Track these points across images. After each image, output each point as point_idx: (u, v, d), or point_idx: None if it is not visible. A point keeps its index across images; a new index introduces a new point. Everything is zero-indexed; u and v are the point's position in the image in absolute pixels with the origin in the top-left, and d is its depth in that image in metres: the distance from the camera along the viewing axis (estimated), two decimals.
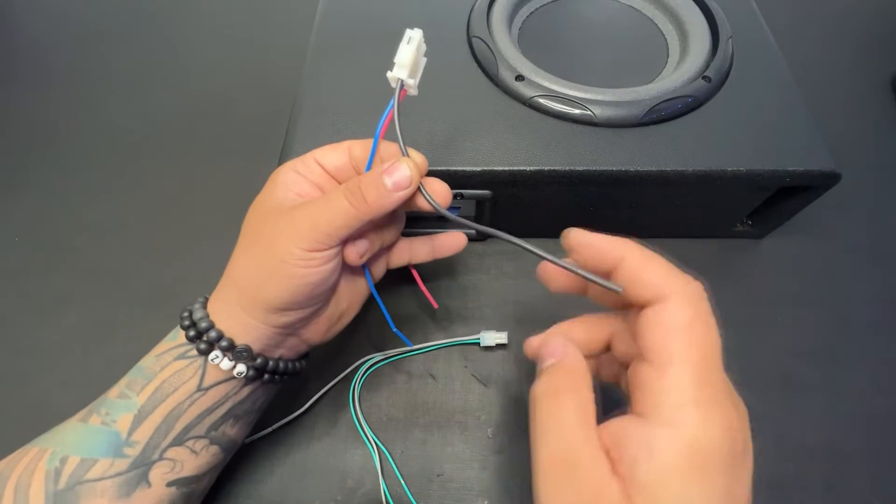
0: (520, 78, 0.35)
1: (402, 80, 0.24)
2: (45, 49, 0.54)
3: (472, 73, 0.37)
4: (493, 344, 0.35)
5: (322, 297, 0.25)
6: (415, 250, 0.30)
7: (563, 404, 0.19)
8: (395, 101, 0.23)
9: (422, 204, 0.25)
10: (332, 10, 0.41)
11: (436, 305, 0.32)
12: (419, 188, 0.24)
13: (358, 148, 0.26)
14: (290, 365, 0.27)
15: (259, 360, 0.25)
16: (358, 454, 0.32)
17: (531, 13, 0.42)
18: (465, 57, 0.38)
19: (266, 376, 0.26)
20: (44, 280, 0.39)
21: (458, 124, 0.34)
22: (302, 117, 0.35)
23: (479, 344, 0.35)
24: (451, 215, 0.24)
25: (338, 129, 0.34)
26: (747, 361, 0.35)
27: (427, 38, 0.38)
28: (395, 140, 0.24)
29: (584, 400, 0.19)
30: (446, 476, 0.31)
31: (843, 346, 0.36)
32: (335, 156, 0.26)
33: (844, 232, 0.41)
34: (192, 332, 0.24)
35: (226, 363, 0.24)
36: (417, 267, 0.31)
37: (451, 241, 0.29)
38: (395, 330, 0.30)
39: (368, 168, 0.25)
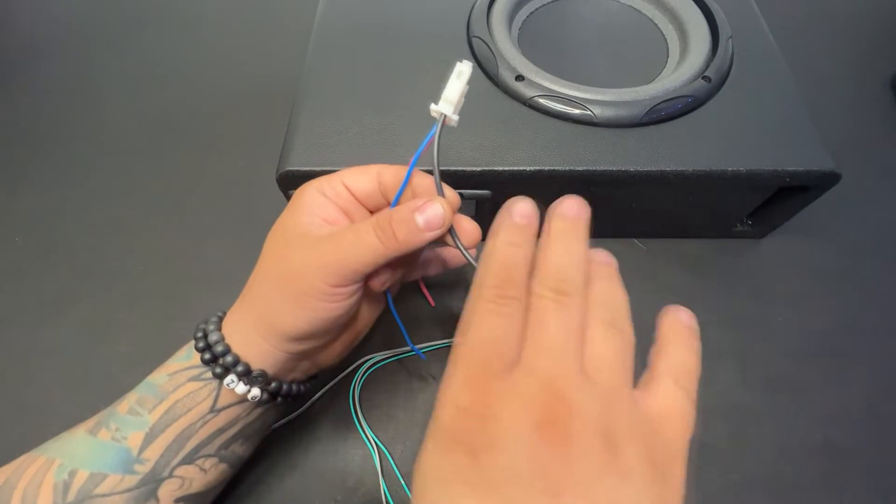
0: (520, 78, 0.35)
1: (446, 115, 0.23)
2: (45, 49, 0.54)
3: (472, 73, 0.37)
4: None
5: (341, 326, 0.26)
6: (428, 266, 0.29)
7: None
8: (436, 135, 0.22)
9: (448, 241, 0.24)
10: (332, 10, 0.41)
11: (433, 303, 0.32)
12: (449, 230, 0.23)
13: (388, 174, 0.24)
14: (301, 387, 0.27)
15: (273, 385, 0.25)
16: (358, 454, 0.32)
17: (531, 13, 0.42)
18: (465, 57, 0.37)
19: (279, 400, 0.26)
20: (44, 280, 0.39)
21: (458, 124, 0.34)
22: (302, 117, 0.35)
23: None
24: (472, 259, 0.24)
25: (338, 129, 0.34)
26: (747, 361, 0.35)
27: (427, 39, 0.38)
28: (430, 172, 0.23)
29: None
30: None
31: (843, 346, 0.36)
32: (364, 180, 0.25)
33: (844, 232, 0.41)
34: (207, 356, 0.24)
35: (241, 388, 0.24)
36: None
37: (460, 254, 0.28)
38: (412, 347, 0.29)
39: (397, 198, 0.24)
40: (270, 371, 0.25)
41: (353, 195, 0.25)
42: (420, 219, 0.22)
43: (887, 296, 0.38)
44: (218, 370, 0.24)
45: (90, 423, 0.25)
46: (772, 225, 0.39)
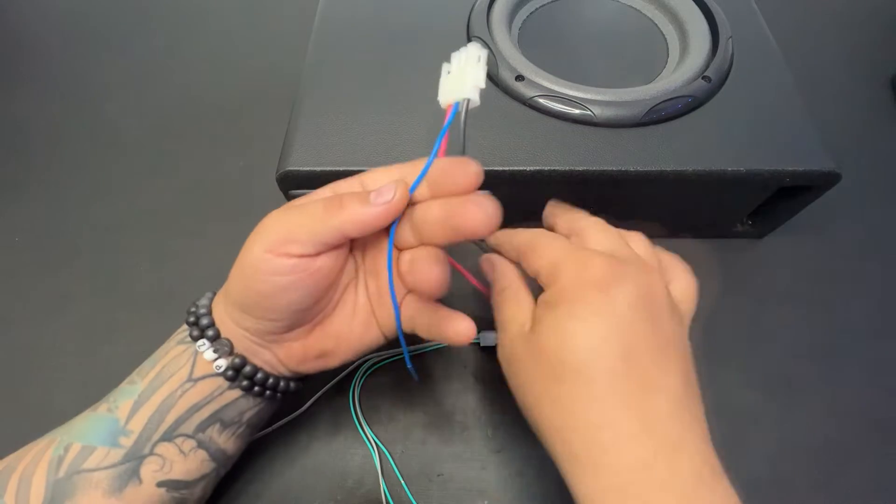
0: (520, 78, 0.35)
1: (470, 99, 0.22)
2: (45, 49, 0.54)
3: None
4: (493, 344, 0.35)
5: (278, 312, 0.24)
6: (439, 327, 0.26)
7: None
8: (463, 122, 0.22)
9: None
10: (332, 9, 0.41)
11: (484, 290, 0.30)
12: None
13: (409, 171, 0.23)
14: (274, 380, 0.26)
15: (237, 360, 0.25)
16: (358, 454, 0.32)
17: (531, 13, 0.42)
18: None
19: (245, 382, 0.25)
20: (44, 280, 0.39)
21: (458, 124, 0.34)
22: (302, 117, 0.35)
23: (479, 344, 0.35)
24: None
25: (338, 129, 0.34)
26: (747, 361, 0.35)
27: (427, 38, 0.38)
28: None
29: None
30: (446, 476, 0.31)
31: (844, 346, 0.36)
32: (383, 180, 0.24)
33: (844, 232, 0.41)
34: (191, 318, 0.25)
35: (209, 353, 0.24)
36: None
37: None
38: (409, 366, 0.27)
39: (415, 185, 0.23)
40: (236, 347, 0.25)
41: None
42: (373, 194, 0.21)
43: (887, 296, 0.38)
44: (195, 332, 0.25)
45: (97, 403, 0.26)
46: (772, 225, 0.39)
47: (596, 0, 0.43)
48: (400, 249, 0.25)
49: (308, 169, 0.32)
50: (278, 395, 0.27)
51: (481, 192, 0.22)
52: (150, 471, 0.24)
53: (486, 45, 0.37)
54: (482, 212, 0.21)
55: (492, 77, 0.36)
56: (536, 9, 0.42)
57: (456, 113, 0.22)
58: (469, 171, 0.22)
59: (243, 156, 0.45)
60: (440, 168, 0.22)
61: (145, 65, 0.52)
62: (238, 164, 0.44)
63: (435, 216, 0.22)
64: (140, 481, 0.24)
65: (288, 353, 0.26)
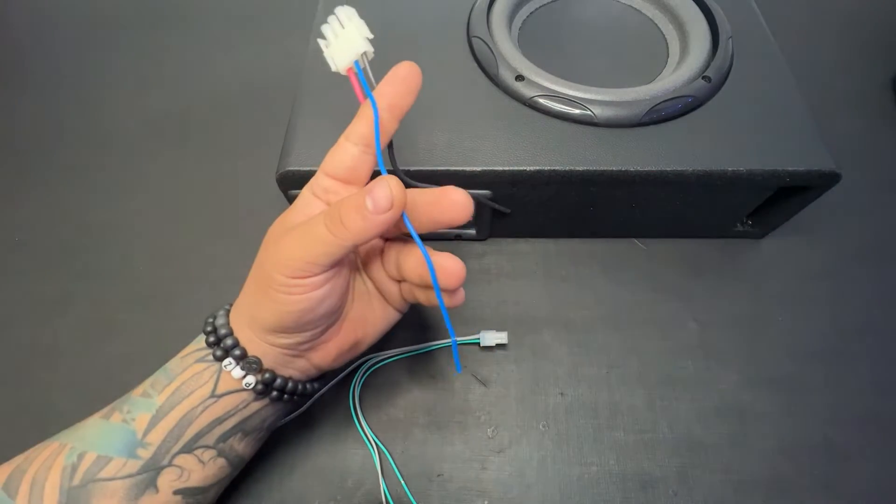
0: (520, 78, 0.35)
1: (366, 52, 0.23)
2: (45, 49, 0.54)
3: (472, 73, 0.37)
4: (493, 344, 0.35)
5: (315, 323, 0.24)
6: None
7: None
8: (369, 77, 0.23)
9: (402, 227, 0.23)
10: (332, 10, 0.41)
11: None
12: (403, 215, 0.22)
13: (355, 133, 0.24)
14: (301, 386, 0.27)
15: (267, 375, 0.25)
16: (358, 454, 0.32)
17: (531, 13, 0.42)
18: (465, 57, 0.37)
19: (275, 394, 0.26)
20: (44, 280, 0.39)
21: (458, 124, 0.34)
22: (302, 117, 0.35)
23: (479, 344, 0.35)
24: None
25: (338, 128, 0.34)
26: (747, 361, 0.35)
27: (427, 38, 0.38)
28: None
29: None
30: (446, 476, 0.31)
31: (843, 346, 0.36)
32: (338, 158, 0.24)
33: (844, 232, 0.41)
34: (211, 338, 0.25)
35: (237, 372, 0.24)
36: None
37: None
38: (453, 340, 0.27)
39: (380, 160, 0.23)
40: (265, 362, 0.25)
41: (340, 181, 0.24)
42: (369, 202, 0.21)
43: (887, 296, 0.38)
44: (218, 353, 0.24)
45: (106, 409, 0.25)
46: (772, 225, 0.39)
47: (596, 0, 0.43)
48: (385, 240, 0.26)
49: (308, 169, 0.32)
50: (303, 398, 0.28)
51: (451, 186, 0.23)
52: (168, 480, 0.24)
53: (485, 44, 0.37)
54: (459, 204, 0.23)
55: (492, 77, 0.36)
56: (536, 9, 0.42)
57: (361, 69, 0.23)
58: (403, 72, 0.24)
59: (243, 156, 0.45)
60: (381, 90, 0.23)
61: (145, 65, 0.52)
62: (238, 164, 0.44)
63: (413, 213, 0.24)
64: (157, 490, 0.24)
65: (323, 354, 0.26)
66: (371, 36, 0.23)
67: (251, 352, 0.25)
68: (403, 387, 0.34)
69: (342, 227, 0.21)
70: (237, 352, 0.24)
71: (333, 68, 0.23)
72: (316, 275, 0.22)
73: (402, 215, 0.23)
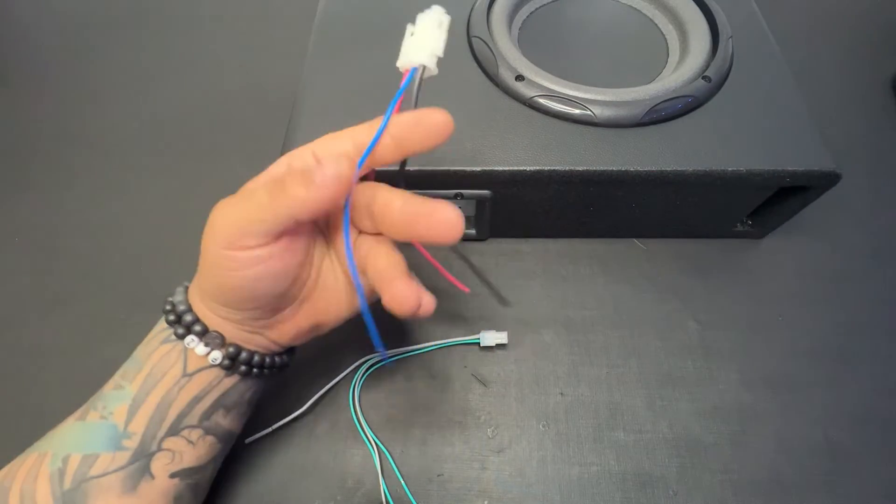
0: (520, 78, 0.35)
1: (426, 66, 0.21)
2: (44, 49, 0.54)
3: (472, 73, 0.37)
4: (493, 344, 0.35)
5: (256, 301, 0.23)
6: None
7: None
8: (416, 88, 0.21)
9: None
10: (332, 9, 0.41)
11: (467, 290, 0.30)
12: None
13: (364, 135, 0.23)
14: (270, 359, 0.27)
15: (231, 349, 0.25)
16: (358, 454, 0.32)
17: (531, 13, 0.42)
18: (465, 57, 0.38)
19: (243, 368, 0.25)
20: (44, 280, 0.39)
21: (458, 124, 0.34)
22: (302, 117, 0.35)
23: (479, 344, 0.35)
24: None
25: (338, 129, 0.34)
26: (747, 361, 0.35)
27: None
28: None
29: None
30: (446, 476, 0.31)
31: (844, 346, 0.36)
32: (332, 146, 0.23)
33: (844, 232, 0.41)
34: (171, 317, 0.25)
35: (201, 348, 0.24)
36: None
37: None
38: (379, 348, 0.23)
39: (363, 159, 0.22)
40: (227, 337, 0.25)
41: None
42: (317, 174, 0.20)
43: (887, 296, 0.38)
44: (180, 330, 0.24)
45: (78, 412, 0.25)
46: (772, 225, 0.39)
47: (596, 0, 0.43)
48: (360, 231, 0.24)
49: None
50: (276, 370, 0.27)
51: (445, 201, 0.21)
52: (162, 465, 0.24)
53: (485, 44, 0.37)
54: (450, 223, 0.20)
55: (492, 77, 0.36)
56: (536, 9, 0.42)
57: (410, 80, 0.21)
58: (436, 120, 0.21)
59: (243, 156, 0.45)
60: (406, 121, 0.21)
61: (144, 66, 0.52)
62: (238, 164, 0.44)
63: (394, 220, 0.22)
64: (153, 476, 0.24)
65: (280, 333, 0.26)
66: (441, 55, 0.22)
67: (211, 327, 0.25)
68: (403, 387, 0.34)
69: (283, 194, 0.20)
70: (198, 327, 0.24)
71: (398, 61, 0.22)
72: (251, 248, 0.21)
73: (345, 205, 0.22)
